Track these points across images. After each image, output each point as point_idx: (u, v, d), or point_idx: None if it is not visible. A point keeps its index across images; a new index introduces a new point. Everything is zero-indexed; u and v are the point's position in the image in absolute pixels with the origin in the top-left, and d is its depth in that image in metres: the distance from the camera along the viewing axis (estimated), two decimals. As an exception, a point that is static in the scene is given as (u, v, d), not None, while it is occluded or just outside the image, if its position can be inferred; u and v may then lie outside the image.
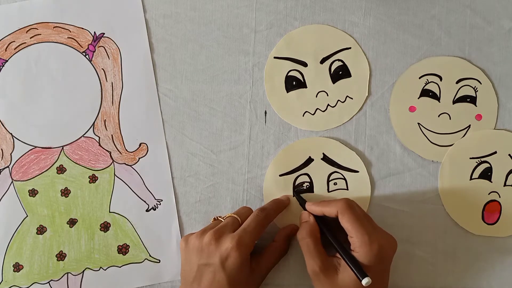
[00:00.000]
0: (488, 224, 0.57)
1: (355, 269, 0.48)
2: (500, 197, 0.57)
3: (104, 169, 0.58)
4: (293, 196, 0.57)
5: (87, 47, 0.58)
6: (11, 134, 0.58)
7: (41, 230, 0.58)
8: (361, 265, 0.48)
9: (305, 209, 0.55)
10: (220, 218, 0.54)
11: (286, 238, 0.55)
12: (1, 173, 0.58)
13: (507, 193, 0.56)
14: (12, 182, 0.58)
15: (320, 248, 0.51)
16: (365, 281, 0.46)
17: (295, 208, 0.57)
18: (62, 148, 0.58)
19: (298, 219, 0.56)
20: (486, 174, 0.57)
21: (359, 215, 0.50)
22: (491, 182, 0.57)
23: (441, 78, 0.57)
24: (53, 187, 0.58)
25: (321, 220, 0.53)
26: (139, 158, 0.58)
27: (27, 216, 0.58)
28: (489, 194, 0.57)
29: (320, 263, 0.50)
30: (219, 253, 0.49)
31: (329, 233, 0.52)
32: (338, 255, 0.50)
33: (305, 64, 0.58)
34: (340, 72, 0.58)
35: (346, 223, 0.50)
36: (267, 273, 0.54)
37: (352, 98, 0.58)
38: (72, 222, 0.58)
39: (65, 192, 0.58)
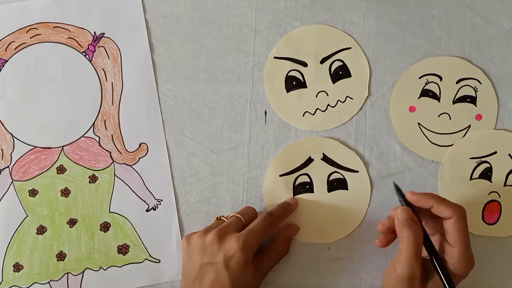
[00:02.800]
0: (488, 224, 0.56)
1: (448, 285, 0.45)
2: (500, 197, 0.57)
3: (104, 169, 0.58)
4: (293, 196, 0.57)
5: (87, 47, 0.58)
6: (11, 134, 0.58)
7: (41, 230, 0.58)
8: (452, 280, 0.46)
9: (404, 202, 0.50)
10: (222, 218, 0.54)
11: (288, 238, 0.55)
12: (1, 173, 0.58)
13: (507, 193, 0.56)
14: (12, 182, 0.58)
15: (421, 254, 0.47)
16: None
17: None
18: (62, 148, 0.58)
19: (297, 219, 0.56)
20: (486, 174, 0.57)
21: (467, 229, 0.48)
22: (491, 182, 0.57)
23: (441, 78, 0.57)
24: (53, 187, 0.58)
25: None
26: (139, 158, 0.58)
27: (27, 216, 0.58)
28: (489, 194, 0.57)
29: (421, 267, 0.46)
30: (223, 252, 0.49)
31: (431, 248, 0.48)
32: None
33: (305, 64, 0.58)
34: (340, 72, 0.58)
35: (458, 232, 0.47)
36: (267, 273, 0.54)
37: (352, 98, 0.58)
38: (72, 222, 0.58)
39: (65, 192, 0.58)
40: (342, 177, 0.57)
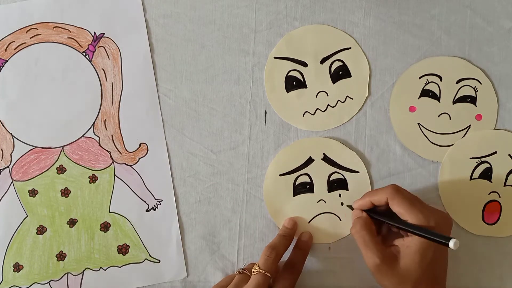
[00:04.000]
0: (488, 224, 0.57)
1: (437, 237, 0.46)
2: (500, 197, 0.57)
3: (104, 169, 0.58)
4: (293, 196, 0.57)
5: (87, 47, 0.58)
6: (11, 134, 0.58)
7: (41, 230, 0.58)
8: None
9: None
10: (246, 272, 0.52)
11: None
12: (1, 173, 0.58)
13: (507, 193, 0.56)
14: (12, 182, 0.58)
15: (377, 240, 0.50)
16: (452, 243, 0.44)
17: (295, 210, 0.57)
18: (62, 148, 0.58)
19: (298, 219, 0.56)
20: (486, 174, 0.57)
21: (409, 196, 0.50)
22: (491, 182, 0.57)
23: (441, 78, 0.57)
24: (53, 187, 0.58)
25: (374, 213, 0.52)
26: (139, 158, 0.58)
27: (27, 216, 0.58)
28: (489, 194, 0.57)
29: (379, 254, 0.49)
30: None
31: (388, 218, 0.50)
32: (395, 243, 0.50)
33: (305, 64, 0.58)
34: (340, 72, 0.58)
35: (397, 207, 0.49)
36: None
37: (352, 98, 0.58)
38: (72, 222, 0.58)
39: (65, 192, 0.58)
40: (343, 177, 0.57)
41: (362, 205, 0.53)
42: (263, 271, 0.50)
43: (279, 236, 0.55)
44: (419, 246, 0.48)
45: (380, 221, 0.52)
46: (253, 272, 0.51)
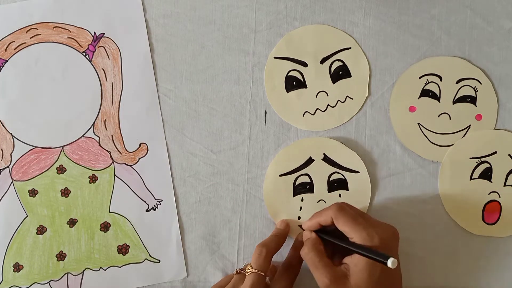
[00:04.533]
0: (488, 224, 0.57)
1: (376, 256, 0.46)
2: (500, 197, 0.57)
3: (104, 169, 0.58)
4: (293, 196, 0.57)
5: (87, 47, 0.58)
6: (11, 134, 0.58)
7: (41, 230, 0.58)
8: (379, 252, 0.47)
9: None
10: (243, 272, 0.52)
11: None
12: (1, 173, 0.58)
13: (507, 193, 0.56)
14: (12, 182, 0.58)
15: (326, 260, 0.50)
16: (390, 262, 0.45)
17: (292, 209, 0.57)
18: (62, 148, 0.58)
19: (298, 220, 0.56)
20: (486, 174, 0.57)
21: (353, 214, 0.50)
22: (491, 182, 0.57)
23: (441, 78, 0.57)
24: (53, 187, 0.58)
25: (324, 233, 0.53)
26: (139, 158, 0.58)
27: (27, 216, 0.58)
28: (489, 194, 0.57)
29: (328, 274, 0.48)
30: None
31: (334, 238, 0.51)
32: (345, 261, 0.50)
33: (305, 64, 0.58)
34: (340, 72, 0.58)
35: (342, 226, 0.49)
36: None
37: (352, 98, 0.58)
38: (72, 222, 0.58)
39: (65, 192, 0.58)
40: (343, 178, 0.57)
41: (310, 226, 0.53)
42: (255, 271, 0.50)
43: (270, 236, 0.55)
44: (365, 264, 0.48)
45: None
46: (247, 272, 0.51)
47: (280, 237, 0.55)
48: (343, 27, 0.58)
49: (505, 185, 0.57)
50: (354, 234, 0.49)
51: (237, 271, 0.53)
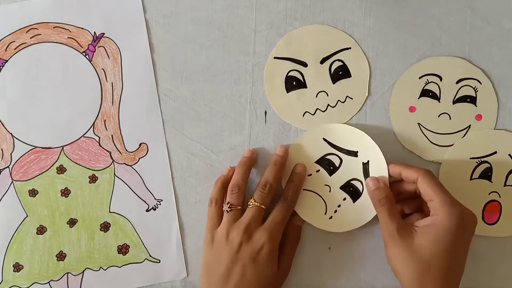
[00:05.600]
0: (488, 224, 0.57)
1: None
2: (500, 197, 0.57)
3: (104, 169, 0.58)
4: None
5: (87, 47, 0.58)
6: (11, 134, 0.58)
7: (41, 230, 0.58)
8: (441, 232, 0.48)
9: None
10: (234, 207, 0.53)
11: (298, 227, 0.56)
12: (1, 173, 0.58)
13: (507, 193, 0.56)
14: (12, 182, 0.58)
15: (398, 211, 0.51)
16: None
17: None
18: (62, 148, 0.58)
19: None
20: (486, 174, 0.57)
21: (440, 183, 0.50)
22: (491, 182, 0.57)
23: (441, 78, 0.57)
24: (53, 187, 0.58)
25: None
26: (139, 158, 0.58)
27: (27, 216, 0.58)
28: (489, 194, 0.57)
29: (398, 224, 0.50)
30: (251, 247, 0.50)
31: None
32: (413, 221, 0.50)
33: (305, 64, 0.58)
34: (340, 72, 0.58)
35: (427, 187, 0.50)
36: (290, 265, 0.55)
37: (352, 98, 0.58)
38: (72, 222, 0.58)
39: (65, 192, 0.58)
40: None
41: (394, 172, 0.53)
42: (258, 204, 0.52)
43: (270, 165, 0.55)
44: (437, 229, 0.48)
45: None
46: (249, 205, 0.53)
47: (279, 166, 0.55)
48: (343, 27, 0.58)
49: (505, 185, 0.57)
50: (437, 195, 0.49)
51: (227, 211, 0.53)
